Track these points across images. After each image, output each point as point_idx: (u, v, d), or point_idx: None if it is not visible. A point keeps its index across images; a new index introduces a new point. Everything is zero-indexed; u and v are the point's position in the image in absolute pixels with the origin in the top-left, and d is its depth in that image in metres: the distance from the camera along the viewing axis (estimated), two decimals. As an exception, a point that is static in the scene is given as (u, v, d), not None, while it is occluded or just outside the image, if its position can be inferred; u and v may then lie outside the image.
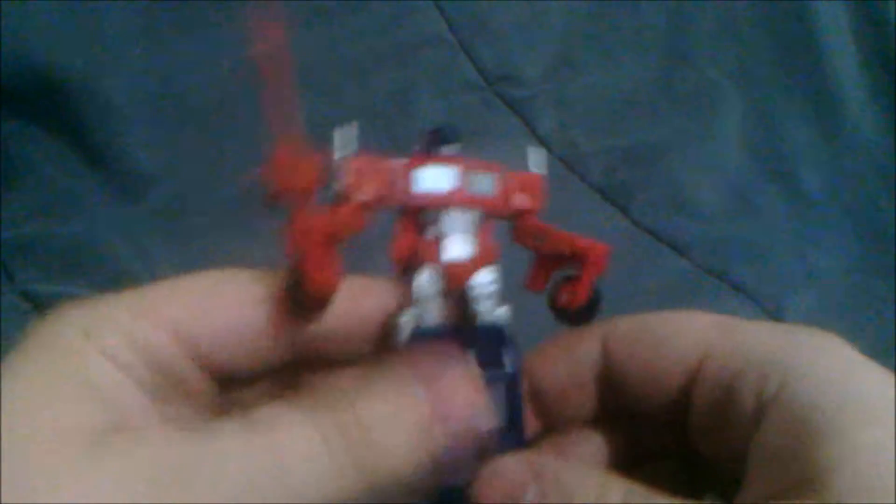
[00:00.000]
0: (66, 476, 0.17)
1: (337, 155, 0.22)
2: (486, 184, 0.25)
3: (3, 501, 0.17)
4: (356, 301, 0.23)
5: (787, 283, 0.58)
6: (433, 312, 0.23)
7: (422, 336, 0.23)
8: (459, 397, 0.22)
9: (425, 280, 0.23)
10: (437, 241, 0.24)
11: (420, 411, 0.21)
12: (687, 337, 0.24)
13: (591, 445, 0.27)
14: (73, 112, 0.49)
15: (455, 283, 0.24)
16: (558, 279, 0.26)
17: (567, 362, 0.26)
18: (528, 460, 0.23)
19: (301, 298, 0.21)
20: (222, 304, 0.22)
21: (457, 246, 0.24)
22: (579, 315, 0.26)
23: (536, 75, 0.60)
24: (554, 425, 0.27)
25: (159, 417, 0.21)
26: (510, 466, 0.23)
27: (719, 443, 0.24)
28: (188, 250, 0.48)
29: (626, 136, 0.62)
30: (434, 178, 0.24)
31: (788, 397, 0.21)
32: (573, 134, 0.60)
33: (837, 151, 0.66)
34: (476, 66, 0.59)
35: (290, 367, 0.25)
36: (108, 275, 0.47)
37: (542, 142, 0.60)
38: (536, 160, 0.26)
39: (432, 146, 0.24)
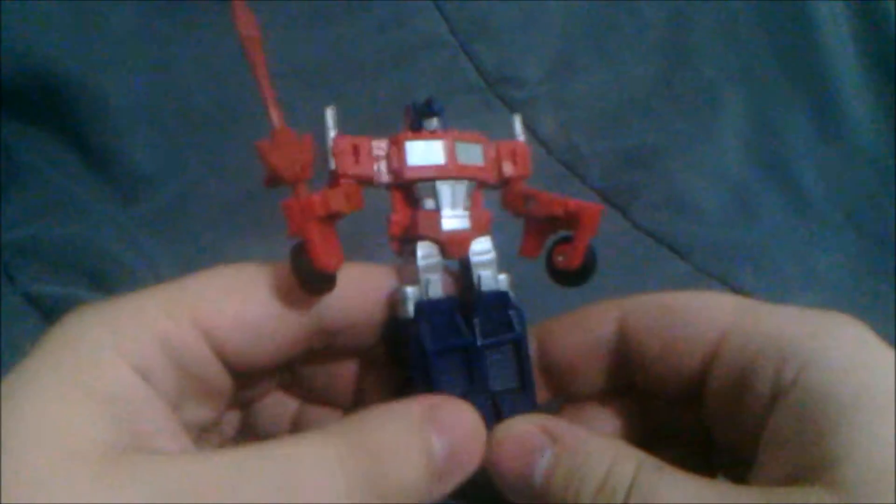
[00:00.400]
0: (74, 497, 0.17)
1: (327, 136, 0.23)
2: (474, 153, 0.25)
3: None
4: (360, 285, 0.24)
5: (787, 285, 0.58)
6: (437, 284, 0.24)
7: (427, 307, 0.23)
8: (463, 430, 0.22)
9: (425, 254, 0.24)
10: (435, 213, 0.24)
11: (426, 438, 0.21)
12: (707, 317, 0.24)
13: (606, 420, 0.27)
14: (72, 113, 0.49)
15: (458, 252, 0.24)
16: (552, 242, 0.26)
17: (580, 335, 0.26)
18: (542, 424, 0.23)
19: (307, 277, 0.22)
20: (245, 298, 0.22)
21: (454, 217, 0.24)
22: (577, 276, 0.26)
23: (536, 76, 0.60)
24: (563, 397, 0.27)
25: (175, 424, 0.21)
26: (525, 429, 0.23)
27: (733, 424, 0.24)
28: (188, 250, 0.48)
29: (626, 137, 0.62)
30: (425, 152, 0.24)
31: (805, 384, 0.21)
32: (573, 135, 0.60)
33: (837, 152, 0.66)
34: (476, 68, 0.59)
35: (294, 364, 0.25)
36: (108, 275, 0.47)
37: (543, 143, 0.59)
38: (517, 127, 0.27)
39: (415, 121, 0.25)
